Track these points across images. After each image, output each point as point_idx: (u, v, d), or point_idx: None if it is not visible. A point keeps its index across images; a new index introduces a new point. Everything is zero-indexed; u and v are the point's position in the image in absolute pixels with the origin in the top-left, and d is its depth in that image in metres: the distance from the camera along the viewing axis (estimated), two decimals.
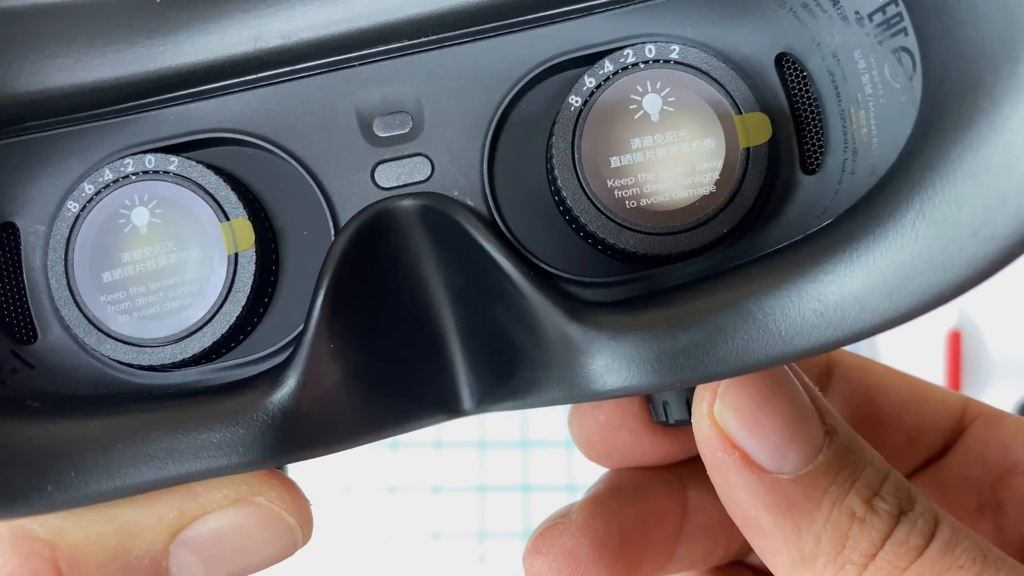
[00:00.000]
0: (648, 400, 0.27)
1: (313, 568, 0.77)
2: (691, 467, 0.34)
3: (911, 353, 0.82)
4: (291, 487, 0.25)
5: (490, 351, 0.26)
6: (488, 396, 0.26)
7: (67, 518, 0.23)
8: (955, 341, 0.83)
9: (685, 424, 0.26)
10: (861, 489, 0.26)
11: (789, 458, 0.25)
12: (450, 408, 0.26)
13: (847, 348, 0.29)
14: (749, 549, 0.36)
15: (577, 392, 0.24)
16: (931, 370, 0.82)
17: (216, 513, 0.24)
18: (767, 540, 0.26)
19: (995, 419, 0.35)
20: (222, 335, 0.25)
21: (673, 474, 0.34)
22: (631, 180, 0.24)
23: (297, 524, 0.25)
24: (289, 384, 0.23)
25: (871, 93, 0.24)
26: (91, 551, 0.23)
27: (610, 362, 0.23)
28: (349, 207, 0.25)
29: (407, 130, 0.25)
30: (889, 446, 0.34)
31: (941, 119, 0.21)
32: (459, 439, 0.85)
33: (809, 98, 0.25)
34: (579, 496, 0.34)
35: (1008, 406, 0.79)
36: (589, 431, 0.33)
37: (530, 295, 0.23)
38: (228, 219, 0.25)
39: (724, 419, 0.25)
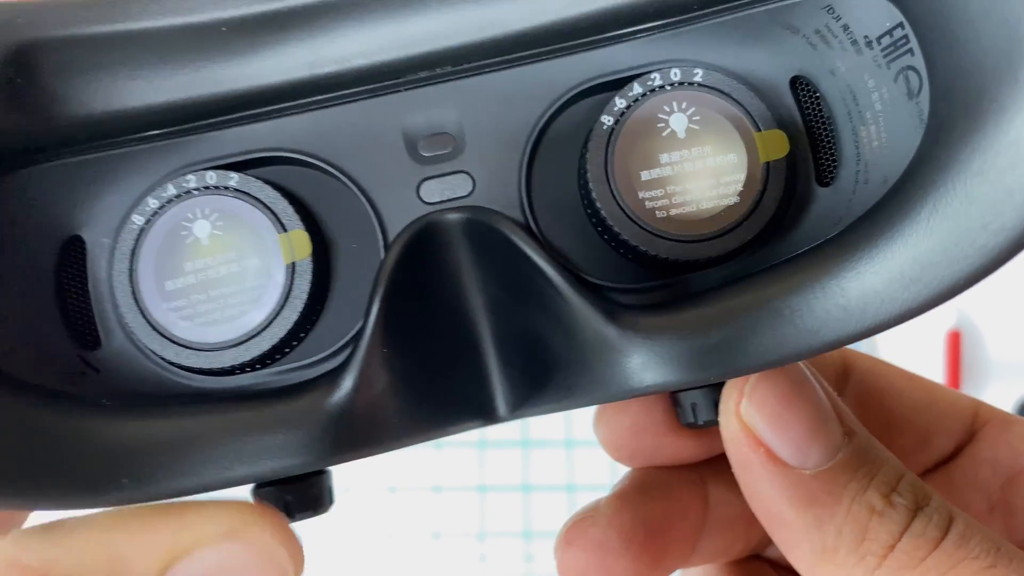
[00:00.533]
0: (675, 404, 0.29)
1: (313, 568, 0.77)
2: (712, 466, 0.35)
3: (911, 353, 0.82)
4: (282, 524, 0.24)
5: (524, 358, 0.28)
6: (523, 402, 0.28)
7: (58, 548, 0.23)
8: (955, 341, 0.84)
9: (713, 424, 0.28)
10: (879, 485, 0.27)
11: (811, 454, 0.27)
12: (485, 414, 0.28)
13: (855, 347, 0.31)
14: (767, 543, 0.37)
15: (613, 391, 0.25)
16: (931, 370, 0.83)
17: (208, 548, 0.23)
18: (790, 533, 0.27)
19: (1005, 423, 0.36)
20: (280, 340, 0.26)
21: (695, 472, 0.35)
22: (661, 192, 0.26)
23: (289, 562, 0.24)
24: (346, 386, 0.25)
25: (881, 109, 0.26)
26: None
27: (646, 361, 0.25)
28: (396, 220, 0.27)
29: (449, 149, 0.27)
30: (901, 447, 0.35)
31: (949, 126, 0.23)
32: (459, 439, 0.86)
33: (822, 117, 0.27)
34: (579, 496, 0.35)
35: (1008, 406, 0.80)
36: (615, 434, 0.35)
37: (571, 299, 0.25)
38: (286, 230, 0.27)
39: (750, 417, 0.26)
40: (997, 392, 0.83)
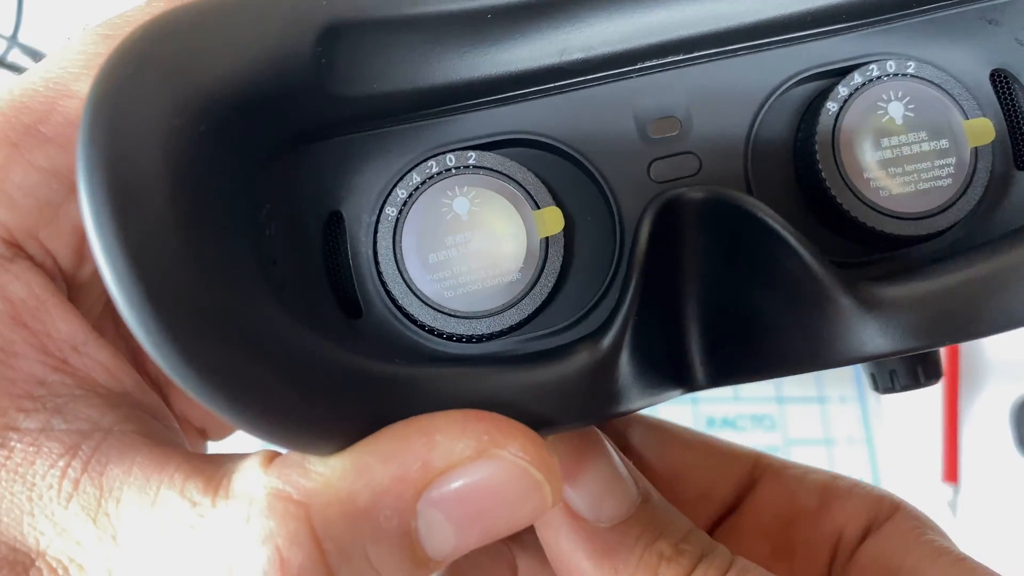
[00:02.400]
0: (872, 373, 0.31)
1: None
2: (518, 538, 0.36)
3: None
4: (534, 439, 0.24)
5: (729, 328, 0.30)
6: (721, 371, 0.30)
7: (319, 479, 0.23)
8: None
9: (911, 389, 0.30)
10: (669, 536, 0.30)
11: (606, 507, 0.30)
12: (687, 383, 0.30)
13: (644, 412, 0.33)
14: None
15: (839, 358, 0.27)
16: None
17: (461, 468, 0.23)
18: None
19: (782, 469, 0.38)
20: (536, 308, 0.28)
21: (503, 543, 0.36)
22: (883, 173, 0.29)
23: (545, 479, 0.24)
24: (605, 349, 0.26)
25: None
26: (343, 511, 0.22)
27: (882, 328, 0.27)
28: (629, 197, 0.29)
29: (677, 132, 0.29)
30: (686, 499, 0.37)
31: None
32: None
33: (1018, 106, 0.30)
34: None
35: (1006, 406, 0.83)
36: None
37: (815, 271, 0.27)
38: (539, 207, 0.28)
39: None
40: (995, 392, 0.85)
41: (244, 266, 0.24)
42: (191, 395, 0.22)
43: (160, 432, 0.27)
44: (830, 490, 0.37)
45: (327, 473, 0.23)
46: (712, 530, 0.38)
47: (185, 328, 0.21)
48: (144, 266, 0.21)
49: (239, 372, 0.22)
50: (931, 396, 0.84)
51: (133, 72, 0.23)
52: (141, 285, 0.21)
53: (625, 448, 0.38)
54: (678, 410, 0.82)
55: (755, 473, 0.38)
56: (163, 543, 0.23)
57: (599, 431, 0.31)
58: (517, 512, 0.24)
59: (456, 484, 0.23)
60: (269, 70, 0.25)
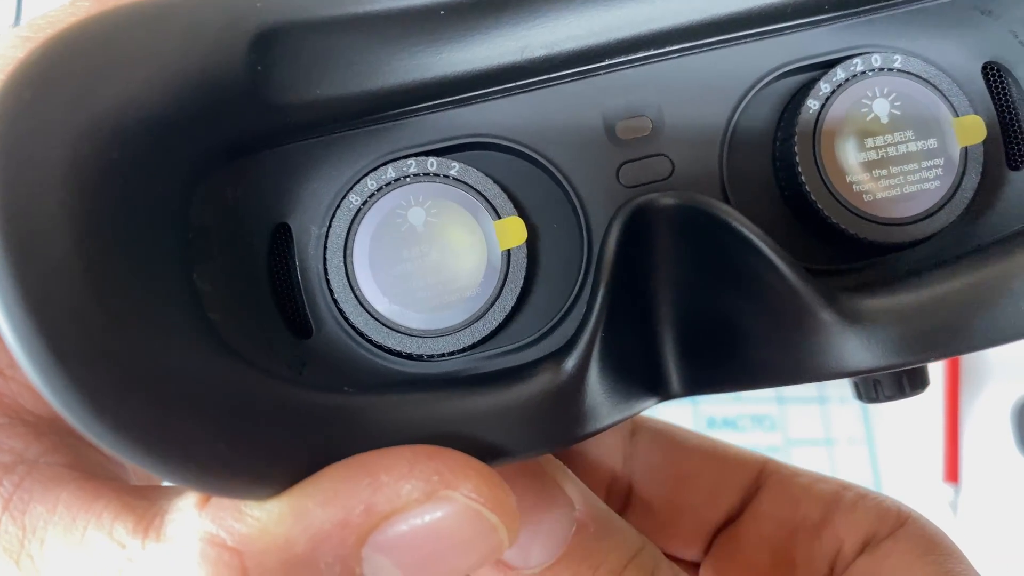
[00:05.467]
0: (856, 383, 0.30)
1: None
2: None
3: None
4: (488, 479, 0.22)
5: (704, 338, 0.28)
6: (697, 381, 0.28)
7: (255, 524, 0.21)
8: None
9: (896, 399, 0.29)
10: (604, 575, 0.28)
11: (533, 554, 0.28)
12: (661, 391, 0.28)
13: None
14: None
15: (820, 372, 0.26)
16: (930, 370, 0.85)
17: (408, 512, 0.21)
18: None
19: (789, 476, 0.36)
20: (497, 325, 0.26)
21: None
22: (866, 176, 0.27)
23: (500, 522, 0.22)
24: (569, 370, 0.25)
25: None
26: (280, 559, 0.21)
27: (864, 343, 0.25)
28: (597, 204, 0.27)
29: (648, 133, 0.28)
30: (691, 503, 0.36)
31: None
32: None
33: (1012, 102, 0.28)
34: None
35: (1006, 406, 0.82)
36: None
37: (791, 282, 0.25)
38: (500, 217, 0.27)
39: None
40: (995, 393, 0.84)
41: (167, 302, 0.22)
42: (106, 450, 0.20)
43: (92, 462, 0.25)
44: (835, 501, 0.35)
45: (263, 518, 0.21)
46: (715, 536, 0.37)
47: (93, 379, 0.19)
48: (45, 316, 0.19)
49: (156, 423, 0.20)
50: (932, 396, 0.83)
51: (31, 98, 0.20)
52: (42, 336, 0.19)
53: (629, 455, 0.36)
54: (678, 410, 0.81)
55: (761, 480, 0.37)
56: None
57: (539, 462, 0.28)
58: (471, 556, 0.23)
59: (403, 528, 0.22)
60: (195, 84, 0.23)
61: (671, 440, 0.37)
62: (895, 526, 0.33)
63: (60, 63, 0.21)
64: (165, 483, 0.24)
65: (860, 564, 0.33)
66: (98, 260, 0.20)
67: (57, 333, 0.19)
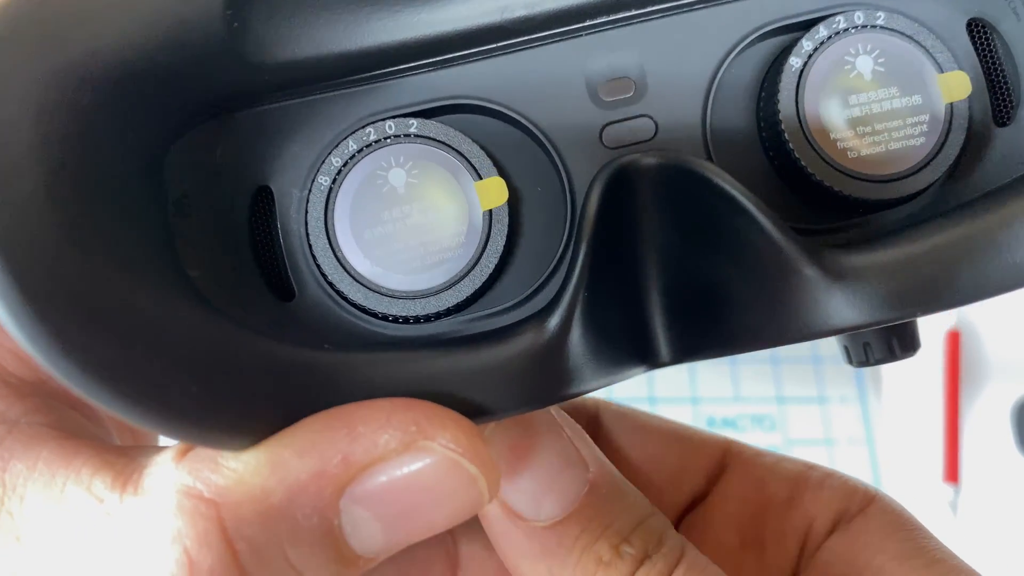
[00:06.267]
0: (845, 346, 0.29)
1: None
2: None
3: None
4: (467, 429, 0.22)
5: (692, 303, 0.28)
6: (685, 347, 0.28)
7: (231, 475, 0.21)
8: (954, 341, 0.86)
9: (887, 362, 0.28)
10: (611, 536, 0.28)
11: (545, 507, 0.28)
12: (650, 360, 0.28)
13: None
14: None
15: (808, 331, 0.25)
16: (930, 370, 0.85)
17: (386, 463, 0.21)
18: None
19: (753, 456, 0.36)
20: (480, 286, 0.26)
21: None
22: (851, 133, 0.27)
23: (479, 473, 0.22)
24: (552, 330, 0.24)
25: None
26: (256, 510, 0.21)
27: (849, 300, 0.25)
28: (581, 166, 0.27)
29: (631, 94, 0.27)
30: (656, 485, 0.36)
31: None
32: None
33: (998, 58, 0.28)
34: None
35: (1006, 406, 0.82)
36: None
37: (777, 239, 0.25)
38: (481, 178, 0.26)
39: None
40: (996, 392, 0.84)
41: (142, 251, 0.22)
42: (76, 392, 0.20)
43: (74, 423, 0.25)
44: (802, 480, 0.35)
45: (240, 469, 0.21)
46: (682, 517, 0.36)
47: (61, 317, 0.19)
48: (13, 250, 0.19)
49: (125, 364, 0.20)
50: (932, 396, 0.83)
51: (1, 38, 0.20)
52: (8, 273, 0.19)
53: (594, 435, 0.36)
54: (678, 410, 0.81)
55: (726, 461, 0.36)
56: (69, 542, 0.22)
57: (553, 412, 0.28)
58: (450, 508, 0.22)
59: (381, 479, 0.21)
60: (169, 36, 0.23)
61: (634, 423, 0.37)
62: (863, 504, 0.33)
63: (29, 10, 0.21)
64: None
65: (834, 541, 0.33)
66: (68, 201, 0.20)
67: (25, 270, 0.19)
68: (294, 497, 0.21)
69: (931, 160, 0.27)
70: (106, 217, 0.21)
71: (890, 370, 0.84)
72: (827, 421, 0.82)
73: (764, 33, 0.28)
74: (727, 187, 0.25)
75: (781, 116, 0.27)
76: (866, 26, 0.27)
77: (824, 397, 0.83)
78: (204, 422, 0.21)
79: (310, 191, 0.26)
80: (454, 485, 0.22)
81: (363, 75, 0.26)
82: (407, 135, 0.26)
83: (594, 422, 0.37)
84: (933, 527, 0.32)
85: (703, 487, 0.36)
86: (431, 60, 0.27)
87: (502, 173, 0.27)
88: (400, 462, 0.21)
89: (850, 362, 0.30)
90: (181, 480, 0.21)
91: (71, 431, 0.24)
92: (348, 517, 0.21)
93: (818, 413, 0.82)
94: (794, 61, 0.27)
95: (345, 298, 0.26)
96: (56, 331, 0.19)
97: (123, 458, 0.23)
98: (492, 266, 0.26)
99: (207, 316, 0.22)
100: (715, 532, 0.35)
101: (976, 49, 0.28)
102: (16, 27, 0.21)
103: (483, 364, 0.24)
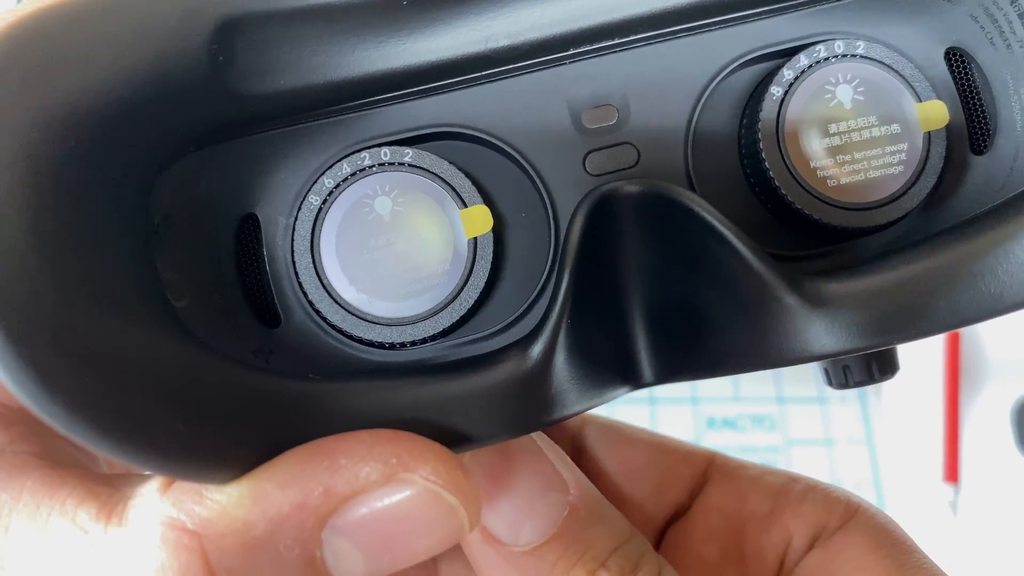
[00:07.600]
0: (826, 369, 0.30)
1: None
2: None
3: (910, 353, 0.83)
4: (448, 461, 0.22)
5: (674, 326, 0.28)
6: (668, 369, 0.28)
7: (215, 507, 0.21)
8: (954, 341, 0.85)
9: (865, 384, 0.29)
10: (587, 561, 0.28)
11: (524, 532, 0.28)
12: (632, 381, 0.28)
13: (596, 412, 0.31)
14: None
15: (787, 358, 0.26)
16: (930, 370, 0.85)
17: (367, 495, 0.21)
18: None
19: (736, 469, 0.36)
20: (465, 313, 0.26)
21: None
22: (830, 161, 0.27)
23: (460, 504, 0.22)
24: (536, 356, 0.25)
25: None
26: (239, 542, 0.21)
27: (828, 328, 0.25)
28: (564, 192, 0.27)
29: (614, 121, 0.28)
30: (639, 497, 0.36)
31: None
32: None
33: (975, 86, 0.28)
34: None
35: (1006, 406, 0.82)
36: None
37: (755, 268, 0.25)
38: (466, 205, 0.27)
39: None
40: (996, 392, 0.84)
41: (126, 286, 0.22)
42: (62, 432, 0.20)
43: (59, 451, 0.25)
44: (783, 493, 0.35)
45: (223, 501, 0.22)
46: (664, 530, 0.37)
47: (47, 360, 0.19)
48: None
49: (111, 404, 0.20)
50: (932, 396, 0.83)
51: None
52: None
53: (578, 449, 0.36)
54: (678, 410, 0.81)
55: (709, 473, 0.36)
56: (54, 573, 0.22)
57: (535, 436, 0.29)
58: (431, 538, 0.23)
59: (363, 511, 0.22)
60: (152, 73, 0.23)
61: (618, 435, 0.37)
62: (845, 518, 0.33)
63: (12, 53, 0.21)
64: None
65: (813, 558, 0.33)
66: (53, 242, 0.20)
67: (10, 312, 0.19)
68: (276, 529, 0.21)
69: (909, 188, 0.27)
70: (91, 256, 0.21)
71: None
72: (827, 421, 0.82)
73: (745, 61, 0.28)
74: (707, 216, 0.25)
75: (762, 145, 0.27)
76: (846, 55, 0.27)
77: (824, 397, 0.83)
78: (190, 458, 0.21)
79: (296, 218, 0.27)
80: (435, 516, 0.22)
81: (349, 104, 0.27)
82: (392, 163, 0.27)
83: (578, 436, 0.37)
84: (933, 527, 0.32)
85: (686, 500, 0.37)
86: (416, 89, 0.27)
87: (487, 200, 0.27)
88: (381, 494, 0.22)
89: (830, 384, 0.30)
90: (165, 512, 0.22)
91: (56, 459, 0.24)
92: (330, 548, 0.22)
93: (818, 413, 0.83)
94: (775, 90, 0.27)
95: (331, 324, 0.27)
96: (41, 374, 0.19)
97: (108, 488, 0.23)
98: (477, 293, 0.27)
99: (193, 351, 0.22)
100: (696, 546, 0.35)
101: (954, 78, 0.28)
102: (3, 68, 0.21)
103: (467, 391, 0.24)
